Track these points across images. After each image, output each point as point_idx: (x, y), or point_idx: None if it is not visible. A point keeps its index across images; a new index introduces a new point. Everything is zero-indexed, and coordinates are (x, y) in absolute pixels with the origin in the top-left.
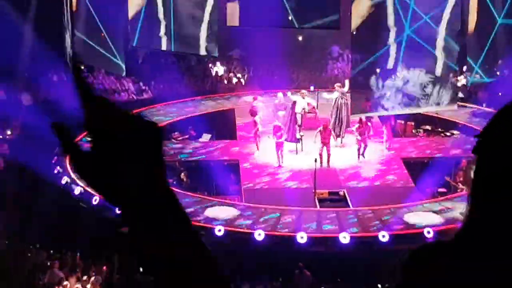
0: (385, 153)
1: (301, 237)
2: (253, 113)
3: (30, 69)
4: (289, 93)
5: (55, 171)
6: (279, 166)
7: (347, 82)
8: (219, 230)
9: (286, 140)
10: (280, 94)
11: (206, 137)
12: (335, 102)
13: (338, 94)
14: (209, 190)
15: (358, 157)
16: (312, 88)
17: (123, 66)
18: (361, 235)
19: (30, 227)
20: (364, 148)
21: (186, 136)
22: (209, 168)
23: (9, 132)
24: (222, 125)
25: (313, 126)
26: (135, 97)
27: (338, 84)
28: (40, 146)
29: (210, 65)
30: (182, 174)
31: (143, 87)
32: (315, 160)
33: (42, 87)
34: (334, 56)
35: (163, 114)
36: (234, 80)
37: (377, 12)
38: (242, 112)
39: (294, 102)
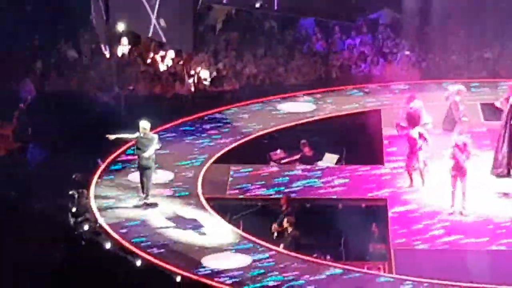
0: None
1: None
2: (412, 119)
3: None
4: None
5: None
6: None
7: None
8: None
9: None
10: (456, 87)
11: (330, 159)
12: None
13: None
14: (333, 251)
15: None
16: None
17: None
18: None
19: None
20: None
21: (295, 157)
22: (333, 213)
23: None
24: (358, 140)
25: None
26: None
27: None
28: None
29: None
30: (285, 220)
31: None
32: None
33: None
34: None
35: (244, 118)
36: (380, 61)
37: None
38: (393, 116)
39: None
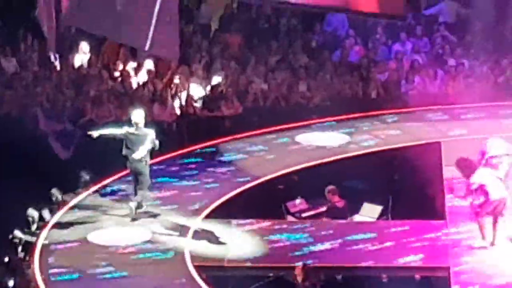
0: None
1: None
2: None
3: None
4: None
5: None
6: None
7: None
8: None
9: None
10: None
11: (370, 211)
12: None
13: None
14: None
15: None
16: None
17: None
18: None
19: None
20: None
21: (321, 209)
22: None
23: None
24: (409, 185)
25: None
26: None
27: None
28: None
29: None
30: None
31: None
32: None
33: None
34: None
35: (250, 154)
36: (439, 73)
37: None
38: (462, 152)
39: None
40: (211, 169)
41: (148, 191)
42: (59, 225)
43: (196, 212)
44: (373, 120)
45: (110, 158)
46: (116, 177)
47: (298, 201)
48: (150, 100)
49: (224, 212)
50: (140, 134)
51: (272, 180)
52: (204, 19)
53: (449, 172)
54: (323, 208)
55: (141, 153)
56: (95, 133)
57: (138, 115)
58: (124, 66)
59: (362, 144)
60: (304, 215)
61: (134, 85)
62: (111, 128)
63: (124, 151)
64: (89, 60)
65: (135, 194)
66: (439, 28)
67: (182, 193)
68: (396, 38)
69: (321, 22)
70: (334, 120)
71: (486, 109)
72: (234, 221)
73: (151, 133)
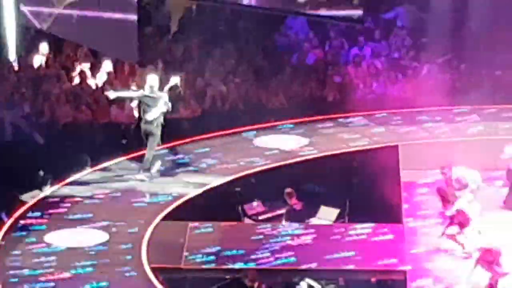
0: None
1: None
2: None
3: None
4: None
5: None
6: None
7: None
8: None
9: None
10: None
11: (327, 214)
12: None
13: None
14: None
15: None
16: None
17: None
18: None
19: None
20: None
21: (279, 211)
22: None
23: None
24: (366, 188)
25: None
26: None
27: None
28: None
29: (337, 45)
30: None
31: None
32: None
33: None
34: None
35: (207, 157)
36: (399, 77)
37: None
38: (419, 156)
39: None
40: (169, 170)
41: (152, 152)
42: None
43: (155, 214)
44: (330, 123)
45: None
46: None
47: (255, 203)
48: (108, 102)
49: (181, 214)
50: (154, 96)
51: (229, 183)
52: (164, 20)
53: (406, 175)
54: (281, 211)
55: (153, 114)
56: (112, 94)
57: (153, 79)
58: (83, 67)
59: (319, 147)
60: (261, 217)
61: (93, 87)
62: (128, 91)
63: (140, 113)
64: (48, 61)
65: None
66: (398, 32)
67: (139, 194)
68: (355, 41)
69: (281, 25)
70: (292, 123)
71: (444, 113)
72: (190, 224)
73: (164, 96)
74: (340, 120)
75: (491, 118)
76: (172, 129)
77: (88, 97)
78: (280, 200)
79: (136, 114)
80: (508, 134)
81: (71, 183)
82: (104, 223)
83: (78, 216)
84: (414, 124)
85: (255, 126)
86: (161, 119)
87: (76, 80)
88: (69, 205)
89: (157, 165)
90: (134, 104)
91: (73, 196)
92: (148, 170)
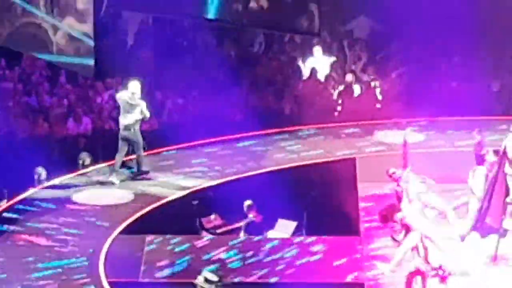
0: None
1: None
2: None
3: None
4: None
5: None
6: None
7: None
8: None
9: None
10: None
11: (284, 227)
12: None
13: None
14: None
15: None
16: None
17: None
18: None
19: None
20: None
21: (237, 224)
22: None
23: None
24: (324, 200)
25: None
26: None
27: None
28: None
29: (295, 58)
30: None
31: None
32: None
33: None
34: None
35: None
36: (357, 90)
37: None
38: (376, 168)
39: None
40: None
41: (140, 155)
42: None
43: (111, 227)
44: (288, 136)
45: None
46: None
47: (213, 216)
48: (65, 115)
49: (138, 228)
50: (132, 103)
51: (187, 196)
52: (120, 34)
53: (364, 188)
54: (239, 224)
55: (129, 120)
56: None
57: (135, 85)
58: (40, 81)
59: (277, 160)
60: (218, 231)
61: (49, 101)
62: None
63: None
64: (4, 75)
65: (116, 163)
66: (354, 44)
67: (98, 208)
68: (311, 54)
69: (237, 37)
70: (249, 136)
71: (399, 125)
72: (148, 237)
73: (142, 104)
74: (297, 132)
75: (446, 130)
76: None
77: (45, 111)
78: (238, 214)
79: (92, 127)
80: (466, 146)
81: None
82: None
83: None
84: (371, 136)
85: (213, 139)
86: (137, 126)
87: (33, 93)
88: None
89: (126, 173)
90: (92, 118)
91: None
92: (114, 172)
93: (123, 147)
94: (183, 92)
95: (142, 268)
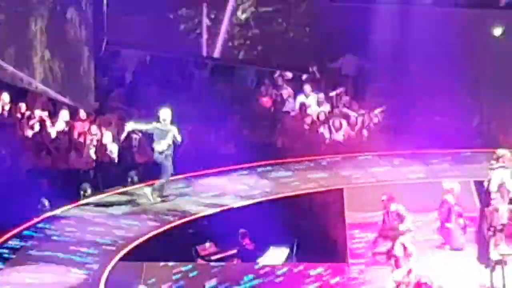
0: None
1: None
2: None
3: None
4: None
5: None
6: None
7: None
8: None
9: None
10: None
11: (276, 253)
12: None
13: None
14: None
15: None
16: None
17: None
18: None
19: None
20: None
21: (231, 252)
22: None
23: None
24: (314, 229)
25: None
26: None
27: None
28: None
29: (286, 93)
30: None
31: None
32: None
33: None
34: None
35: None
36: (344, 124)
37: None
38: (363, 198)
39: None
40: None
41: (165, 181)
42: None
43: (111, 254)
44: (280, 168)
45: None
46: None
47: (207, 244)
48: (67, 148)
49: (137, 255)
50: (164, 129)
51: (183, 225)
52: (120, 71)
53: (351, 217)
54: (232, 251)
55: (162, 146)
56: (129, 126)
57: (165, 112)
58: (41, 115)
59: (269, 190)
60: (213, 258)
61: (53, 134)
62: (142, 124)
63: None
64: (10, 110)
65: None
66: (342, 81)
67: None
68: (301, 90)
69: (232, 74)
70: (242, 168)
71: (386, 158)
72: (145, 264)
73: (173, 130)
74: (289, 165)
75: (432, 163)
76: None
77: (47, 144)
78: (232, 241)
79: (93, 159)
80: (447, 177)
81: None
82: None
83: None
84: (358, 168)
85: (208, 171)
86: (170, 151)
87: (36, 128)
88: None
89: (162, 192)
90: (93, 151)
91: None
92: (158, 193)
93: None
94: (179, 126)
95: None
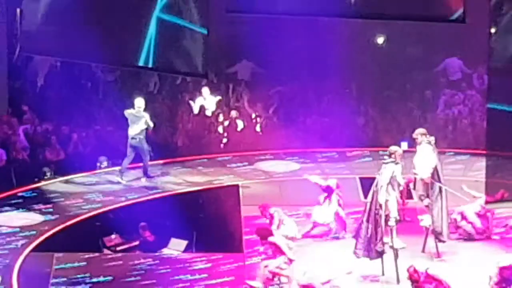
0: None
1: None
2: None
3: None
4: None
5: None
6: None
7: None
8: None
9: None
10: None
11: (176, 245)
12: None
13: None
14: None
15: None
16: (405, 145)
17: None
18: None
19: None
20: None
21: (134, 243)
22: None
23: None
24: (211, 222)
25: None
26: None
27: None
28: None
29: (186, 97)
30: None
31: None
32: None
33: None
34: (453, 78)
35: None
36: (240, 125)
37: None
38: (257, 193)
39: None
40: (36, 206)
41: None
42: None
43: (22, 248)
44: (179, 166)
45: None
46: None
47: (113, 236)
48: None
49: (47, 247)
50: (138, 116)
51: (90, 218)
52: (32, 76)
53: (246, 211)
54: (136, 242)
55: (135, 130)
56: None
57: (140, 101)
58: None
59: (170, 186)
60: (119, 248)
61: None
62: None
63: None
64: None
65: (123, 166)
66: (238, 84)
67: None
68: (200, 93)
69: (137, 79)
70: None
71: (277, 156)
72: (56, 255)
73: (146, 116)
74: (188, 163)
75: (319, 160)
76: (39, 170)
77: None
78: (135, 233)
79: (6, 157)
80: (336, 174)
81: None
82: None
83: None
84: (252, 165)
85: (114, 168)
86: (143, 135)
87: None
88: None
89: (130, 176)
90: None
91: None
92: (121, 173)
93: (130, 154)
94: (87, 126)
95: (51, 281)
